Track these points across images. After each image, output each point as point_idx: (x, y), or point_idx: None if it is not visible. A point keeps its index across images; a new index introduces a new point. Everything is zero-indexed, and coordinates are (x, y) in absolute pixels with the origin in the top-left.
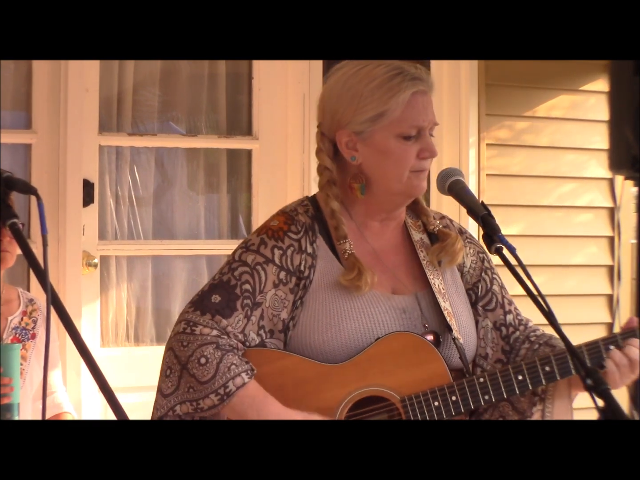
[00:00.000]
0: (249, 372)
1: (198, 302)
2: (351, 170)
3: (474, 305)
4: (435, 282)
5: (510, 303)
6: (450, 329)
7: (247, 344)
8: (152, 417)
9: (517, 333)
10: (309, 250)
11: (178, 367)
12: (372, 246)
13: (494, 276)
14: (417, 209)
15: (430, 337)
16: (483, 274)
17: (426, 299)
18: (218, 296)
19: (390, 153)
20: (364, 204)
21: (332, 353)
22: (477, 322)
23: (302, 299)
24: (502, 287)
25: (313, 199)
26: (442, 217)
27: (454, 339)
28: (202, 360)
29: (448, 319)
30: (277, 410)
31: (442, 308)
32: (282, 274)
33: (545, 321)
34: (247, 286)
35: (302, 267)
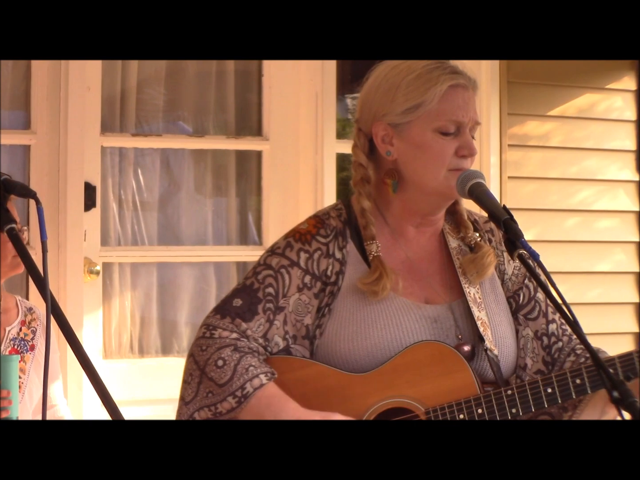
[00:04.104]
0: (268, 374)
1: (220, 307)
2: (386, 166)
3: (514, 313)
4: (471, 291)
5: (555, 312)
6: (482, 340)
7: (269, 348)
8: None
9: (560, 343)
10: (338, 255)
11: (197, 373)
12: (406, 254)
13: (537, 286)
14: (457, 221)
15: (466, 348)
16: (526, 281)
17: (460, 309)
18: (240, 300)
19: (426, 148)
20: (399, 205)
21: (359, 362)
22: (517, 332)
23: (329, 307)
24: (546, 296)
25: (347, 203)
26: (488, 221)
27: (485, 350)
28: (220, 363)
29: (481, 330)
30: (295, 413)
31: (476, 318)
32: (307, 278)
33: None
34: (270, 290)
35: (328, 272)
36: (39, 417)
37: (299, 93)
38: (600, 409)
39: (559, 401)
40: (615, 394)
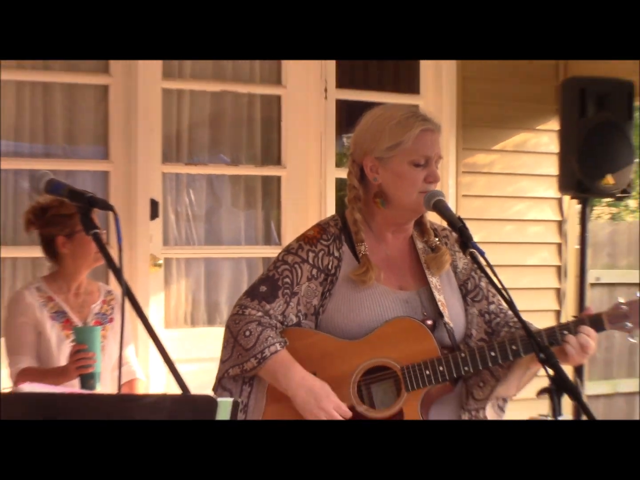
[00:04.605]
0: (282, 342)
1: (249, 291)
2: (373, 189)
3: (464, 297)
4: (433, 280)
5: (494, 296)
6: (442, 316)
7: (286, 323)
8: (215, 378)
9: (498, 319)
10: (336, 254)
11: (232, 340)
12: (386, 253)
13: (482, 275)
14: (422, 229)
15: (430, 322)
16: (472, 273)
17: (426, 294)
18: (264, 287)
19: (403, 176)
20: (381, 217)
21: (351, 332)
22: (466, 310)
23: (330, 292)
24: (488, 283)
25: (342, 216)
26: (444, 229)
27: (445, 323)
28: (247, 333)
29: (441, 308)
30: (299, 373)
31: (437, 300)
32: (314, 271)
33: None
34: (287, 280)
35: (329, 267)
36: (115, 373)
37: (309, 133)
38: (525, 366)
39: (500, 362)
40: (542, 355)
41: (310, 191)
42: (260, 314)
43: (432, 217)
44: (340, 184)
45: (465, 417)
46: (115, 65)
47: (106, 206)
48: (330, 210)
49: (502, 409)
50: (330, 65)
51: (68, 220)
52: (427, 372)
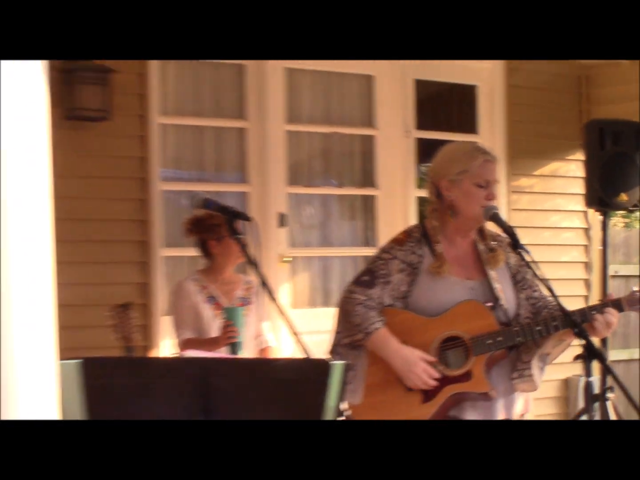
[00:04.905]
0: (382, 321)
1: (355, 281)
2: (446, 204)
3: (515, 285)
4: (491, 273)
5: (537, 285)
6: (499, 300)
7: (383, 304)
8: (329, 345)
9: (540, 303)
10: (418, 252)
11: (343, 317)
12: (456, 252)
13: (528, 269)
14: (483, 235)
15: (490, 304)
16: (520, 268)
17: (486, 283)
18: (366, 277)
19: (470, 194)
20: (452, 225)
21: (432, 311)
22: (516, 296)
23: (414, 281)
24: (532, 275)
25: (422, 224)
26: (499, 235)
27: (501, 305)
28: (354, 313)
29: (498, 294)
30: (395, 346)
31: (495, 288)
32: (402, 266)
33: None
34: (382, 272)
35: (414, 262)
36: (254, 342)
37: (396, 163)
38: (558, 338)
39: (543, 335)
40: (576, 330)
41: (397, 206)
42: (364, 297)
43: (490, 226)
44: (420, 201)
45: (515, 375)
46: (250, 112)
47: (246, 217)
48: (413, 220)
49: (542, 370)
50: (411, 111)
51: (217, 228)
52: (489, 342)
